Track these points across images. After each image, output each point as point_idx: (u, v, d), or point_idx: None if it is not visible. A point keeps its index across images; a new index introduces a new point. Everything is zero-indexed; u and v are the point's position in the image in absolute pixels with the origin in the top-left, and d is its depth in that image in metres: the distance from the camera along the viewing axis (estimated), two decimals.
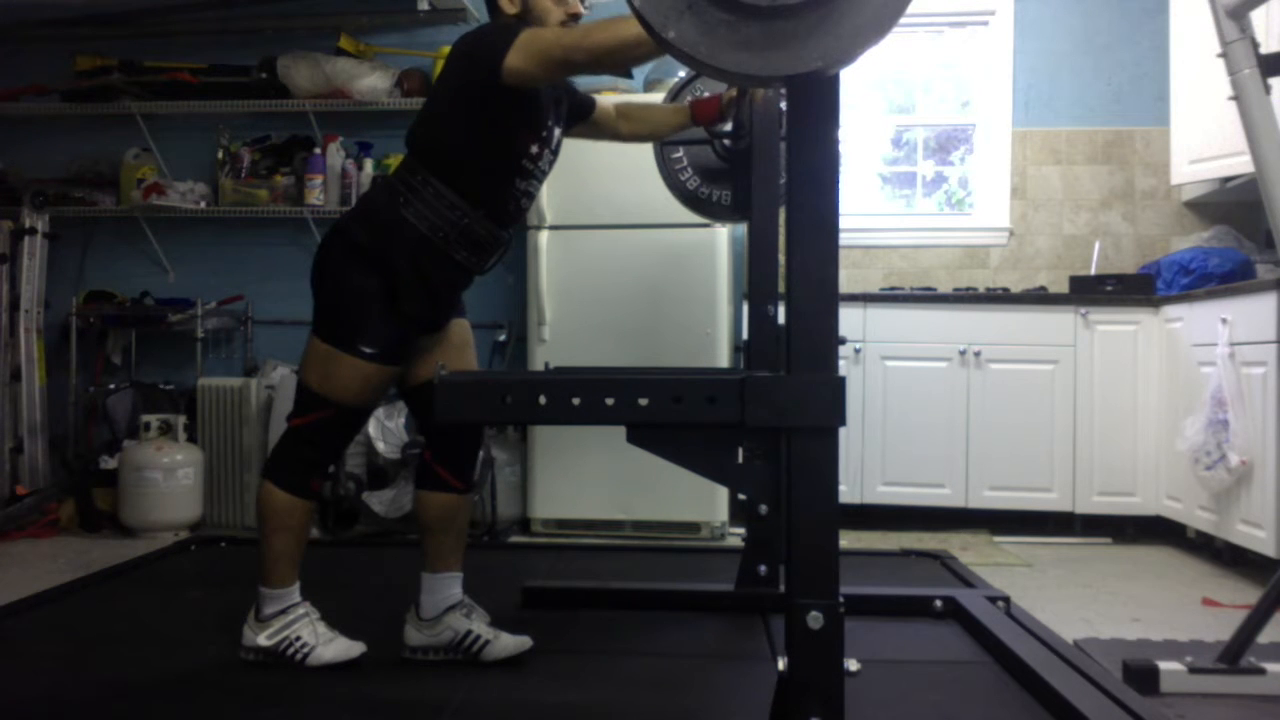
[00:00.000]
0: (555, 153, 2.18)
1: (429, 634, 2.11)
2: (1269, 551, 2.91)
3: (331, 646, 2.06)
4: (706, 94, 2.57)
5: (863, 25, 1.11)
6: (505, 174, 2.05)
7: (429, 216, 1.99)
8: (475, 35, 2.02)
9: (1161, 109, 4.19)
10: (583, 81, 3.93)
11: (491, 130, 2.00)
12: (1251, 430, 3.02)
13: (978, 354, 3.80)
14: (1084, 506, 3.76)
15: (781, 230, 2.01)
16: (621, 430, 1.39)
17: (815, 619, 1.23)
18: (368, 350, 1.99)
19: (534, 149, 2.07)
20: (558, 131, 2.18)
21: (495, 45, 1.92)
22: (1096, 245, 4.24)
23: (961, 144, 4.60)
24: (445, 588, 2.12)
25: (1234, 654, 2.08)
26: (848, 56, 1.13)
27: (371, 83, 4.24)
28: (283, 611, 2.05)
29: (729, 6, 1.11)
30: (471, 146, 2.01)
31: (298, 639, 2.04)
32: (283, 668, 2.03)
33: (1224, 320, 3.16)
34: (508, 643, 2.10)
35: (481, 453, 3.64)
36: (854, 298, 3.86)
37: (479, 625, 2.11)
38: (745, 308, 2.78)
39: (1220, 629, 2.41)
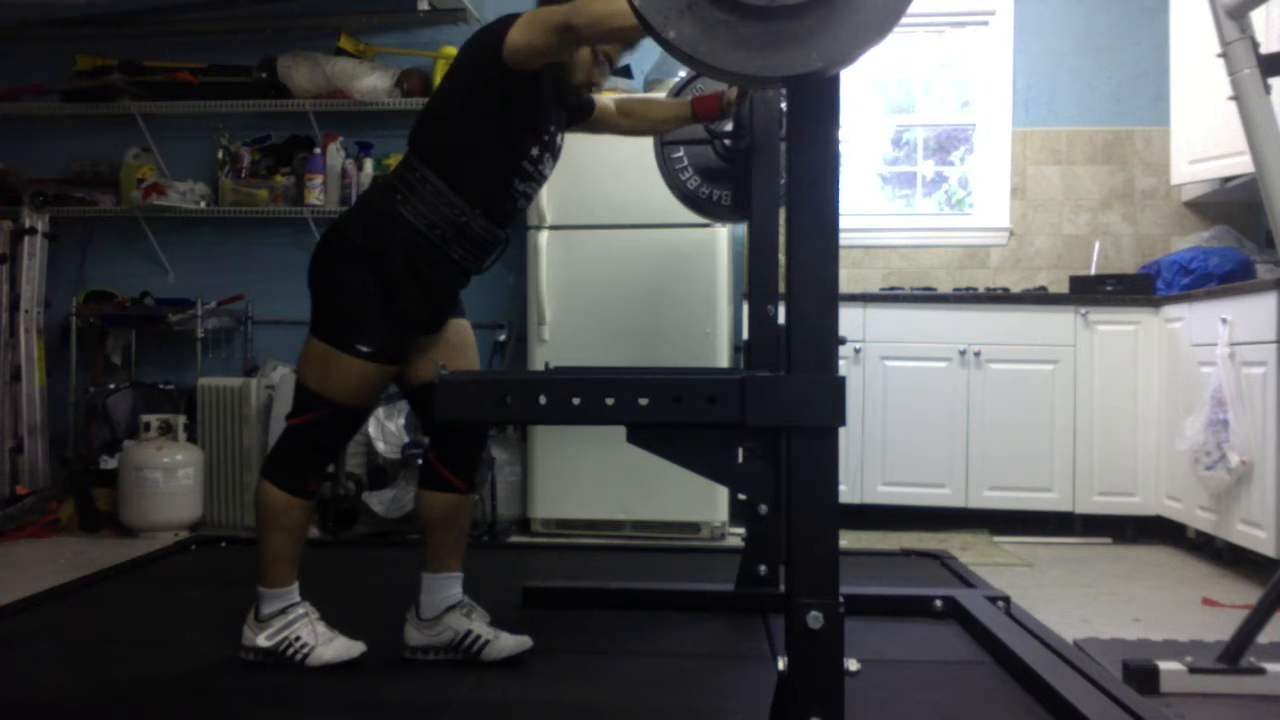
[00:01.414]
0: (556, 156, 2.18)
1: (429, 634, 2.10)
2: (1269, 551, 2.92)
3: (331, 646, 2.06)
4: (708, 91, 2.57)
5: (863, 25, 1.11)
6: (505, 174, 2.05)
7: (427, 214, 1.99)
8: (483, 28, 2.03)
9: (1161, 109, 4.20)
10: None
11: (493, 130, 2.00)
12: (1251, 430, 3.02)
13: (978, 354, 3.80)
14: (1084, 506, 3.76)
15: (781, 230, 2.01)
16: (621, 430, 1.39)
17: (815, 619, 1.23)
18: (364, 349, 1.99)
19: (534, 151, 2.07)
20: (560, 136, 2.18)
21: (499, 29, 1.93)
22: (1096, 245, 4.24)
23: (961, 144, 4.60)
24: (445, 588, 2.12)
25: (1234, 654, 2.08)
26: (848, 57, 1.12)
27: (371, 83, 4.25)
28: (282, 611, 2.05)
29: (729, 6, 1.11)
30: (472, 146, 2.01)
31: (297, 639, 2.04)
32: (283, 668, 2.03)
33: (1224, 320, 3.16)
34: (508, 643, 2.10)
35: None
36: (854, 298, 3.86)
37: (479, 625, 2.11)
38: (745, 308, 2.78)
39: (1220, 629, 2.41)
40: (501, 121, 2.00)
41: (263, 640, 2.04)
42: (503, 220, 2.10)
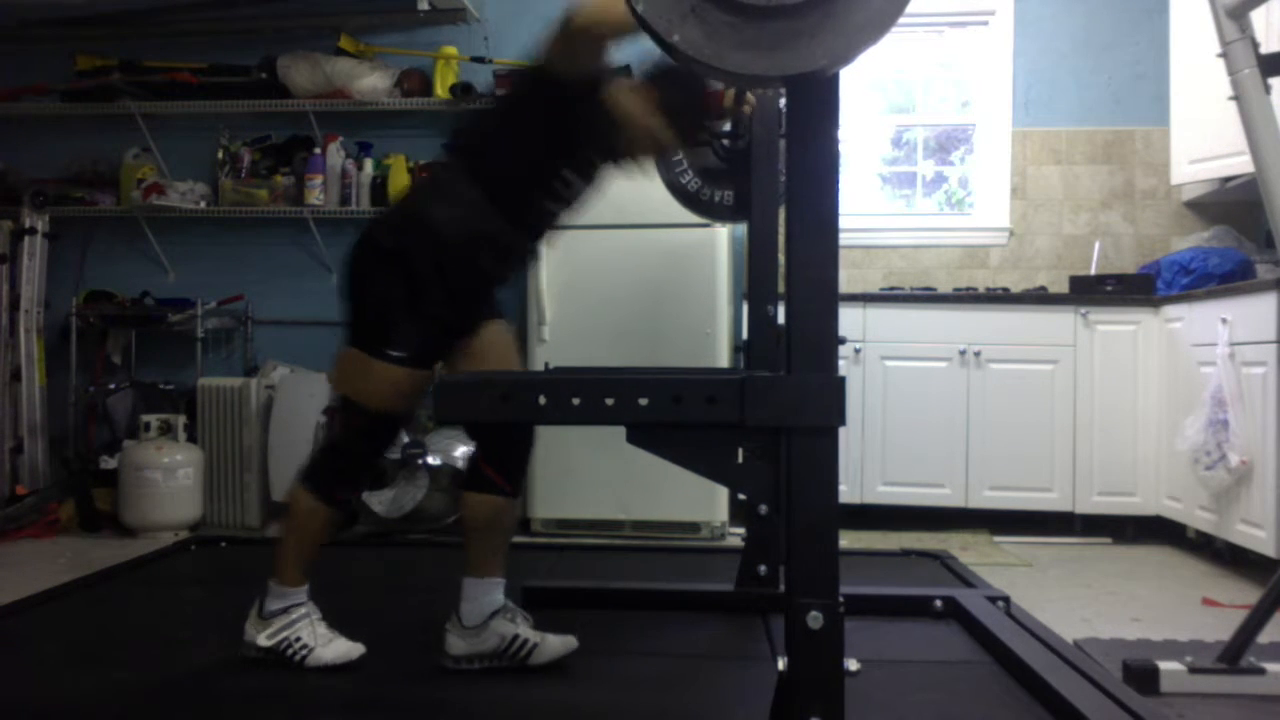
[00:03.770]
0: (592, 183, 2.15)
1: (473, 641, 2.05)
2: (1269, 551, 2.92)
3: (330, 648, 2.06)
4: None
5: (865, 22, 1.11)
6: (536, 191, 2.05)
7: (458, 220, 1.98)
8: None
9: (1161, 109, 4.19)
10: None
11: (528, 148, 1.99)
12: (1251, 430, 3.02)
13: (978, 354, 3.80)
14: (1084, 506, 3.76)
15: (781, 230, 2.01)
16: (621, 430, 1.39)
17: (815, 619, 1.23)
18: (394, 354, 1.96)
19: (566, 173, 2.06)
20: (599, 169, 2.14)
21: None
22: (1096, 245, 4.24)
23: (961, 144, 4.60)
24: (489, 592, 2.07)
25: (1234, 654, 2.08)
26: (851, 53, 1.13)
27: (371, 83, 4.25)
28: (285, 610, 2.05)
29: (731, 8, 1.11)
30: (509, 160, 2.00)
31: (297, 639, 2.04)
32: (282, 667, 2.03)
33: (1224, 320, 3.16)
34: (555, 644, 2.07)
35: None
36: (854, 298, 3.86)
37: (524, 629, 2.07)
38: (745, 308, 2.78)
39: (1220, 629, 2.41)
40: (537, 140, 1.99)
41: (263, 639, 2.04)
42: (532, 234, 2.10)
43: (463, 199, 1.99)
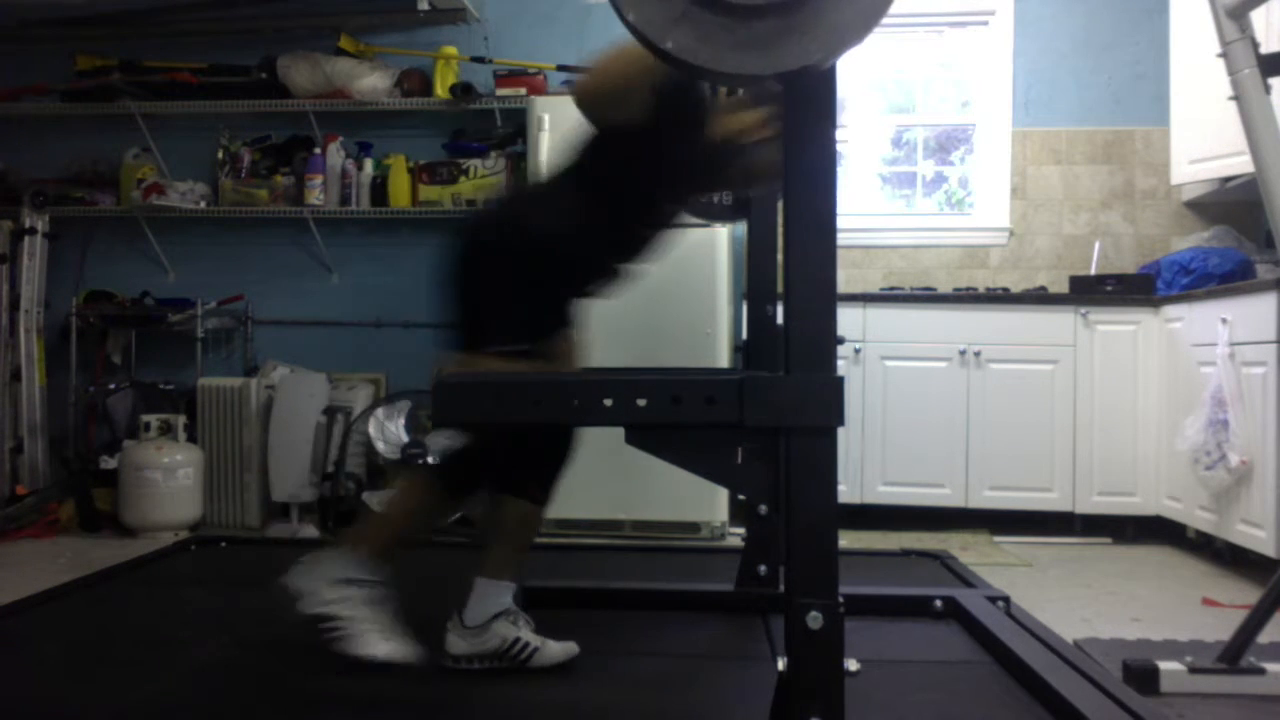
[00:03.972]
0: (684, 204, 2.19)
1: (474, 641, 2.03)
2: (1269, 551, 2.91)
3: (378, 640, 1.99)
4: None
5: (856, 16, 1.11)
6: (629, 216, 2.06)
7: (553, 226, 1.97)
8: None
9: (1161, 109, 4.19)
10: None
11: (629, 169, 1.99)
12: (1251, 430, 3.02)
13: (978, 354, 3.80)
14: (1084, 506, 3.76)
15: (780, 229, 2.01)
16: (621, 430, 1.38)
17: (815, 619, 1.23)
18: (494, 348, 1.94)
19: (662, 203, 2.09)
20: (693, 197, 2.20)
21: None
22: (1096, 245, 4.24)
23: (961, 144, 4.60)
24: (498, 594, 2.05)
25: (1234, 654, 2.08)
26: (844, 46, 1.13)
27: (371, 83, 4.25)
28: (356, 581, 2.00)
29: (723, 9, 1.11)
30: (608, 184, 2.01)
31: (346, 614, 1.98)
32: (281, 665, 2.03)
33: (1224, 320, 3.15)
34: (555, 649, 2.06)
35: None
36: (854, 298, 3.86)
37: (526, 632, 2.06)
38: (745, 308, 2.78)
39: (1220, 629, 2.41)
40: (637, 176, 1.99)
41: (325, 594, 1.98)
42: (622, 256, 2.11)
43: (562, 210, 1.99)
